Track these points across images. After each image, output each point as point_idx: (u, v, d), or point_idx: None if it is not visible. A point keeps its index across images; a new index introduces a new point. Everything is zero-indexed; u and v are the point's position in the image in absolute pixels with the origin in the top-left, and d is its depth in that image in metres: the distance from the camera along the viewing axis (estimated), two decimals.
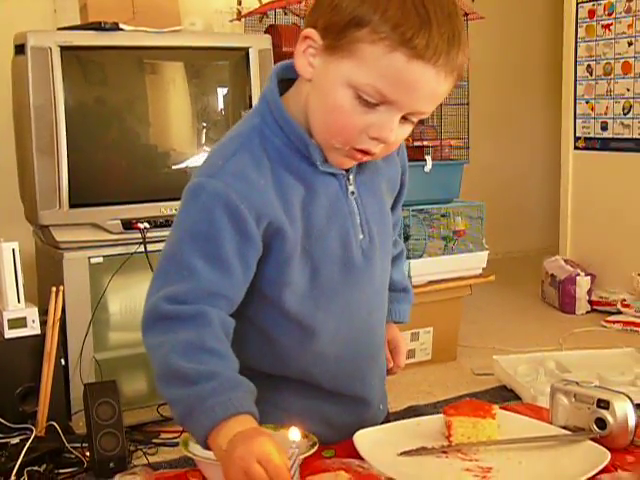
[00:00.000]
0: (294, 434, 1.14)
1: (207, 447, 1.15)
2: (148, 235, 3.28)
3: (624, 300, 4.97)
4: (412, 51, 1.16)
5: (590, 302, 5.16)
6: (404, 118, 1.25)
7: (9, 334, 3.14)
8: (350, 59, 1.20)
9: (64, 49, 3.24)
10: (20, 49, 3.28)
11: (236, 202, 1.24)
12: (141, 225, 3.31)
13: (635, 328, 4.72)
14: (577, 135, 5.46)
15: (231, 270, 1.26)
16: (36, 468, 2.91)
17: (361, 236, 1.40)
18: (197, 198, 1.27)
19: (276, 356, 1.39)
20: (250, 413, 1.15)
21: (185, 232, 1.27)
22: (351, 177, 1.38)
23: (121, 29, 3.40)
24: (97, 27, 3.37)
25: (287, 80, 1.36)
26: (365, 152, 1.28)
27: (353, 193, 1.39)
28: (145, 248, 3.25)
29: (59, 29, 3.51)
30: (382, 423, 1.53)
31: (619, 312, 4.94)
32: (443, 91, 1.24)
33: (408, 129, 1.29)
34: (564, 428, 1.39)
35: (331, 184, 1.36)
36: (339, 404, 1.46)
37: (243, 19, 4.21)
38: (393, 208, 1.55)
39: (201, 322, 1.21)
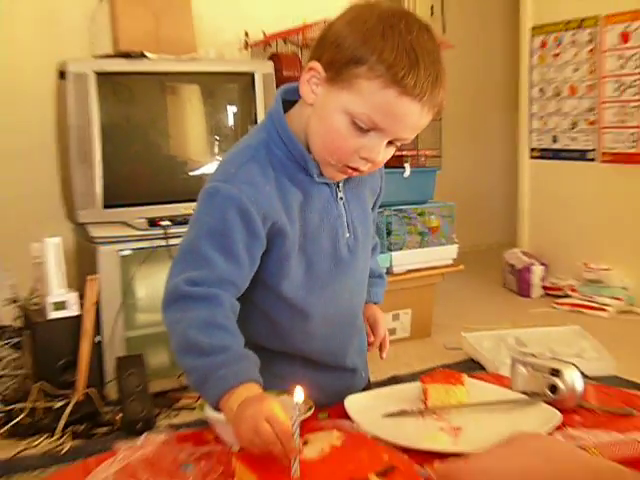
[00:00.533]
0: (298, 395, 1.14)
1: (218, 409, 1.15)
2: (169, 231, 3.28)
3: (572, 286, 4.99)
4: (402, 89, 1.17)
5: (543, 287, 5.17)
6: (389, 142, 1.27)
7: (53, 315, 3.14)
8: (349, 91, 1.21)
9: (99, 74, 3.24)
10: (62, 74, 3.28)
11: (247, 205, 1.25)
12: (163, 223, 3.31)
13: (581, 309, 4.73)
14: (532, 146, 5.47)
15: (240, 262, 1.26)
16: (76, 428, 2.92)
17: (347, 235, 1.40)
18: (213, 200, 1.27)
19: (275, 334, 1.40)
20: (256, 381, 1.16)
21: (202, 229, 1.27)
22: (340, 185, 1.39)
23: (147, 57, 3.39)
24: (126, 56, 3.37)
25: (288, 101, 1.36)
26: (355, 169, 1.29)
27: (342, 199, 1.40)
28: (167, 242, 3.25)
29: (95, 57, 3.51)
30: (364, 388, 1.55)
31: (567, 296, 4.96)
32: (424, 122, 1.25)
33: (391, 151, 1.30)
34: (523, 393, 1.39)
35: (324, 191, 1.37)
36: (327, 373, 1.47)
37: (250, 48, 4.20)
38: (372, 209, 1.56)
39: (214, 303, 1.22)
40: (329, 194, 1.37)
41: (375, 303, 1.65)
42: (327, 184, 1.37)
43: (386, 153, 1.29)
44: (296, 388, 1.12)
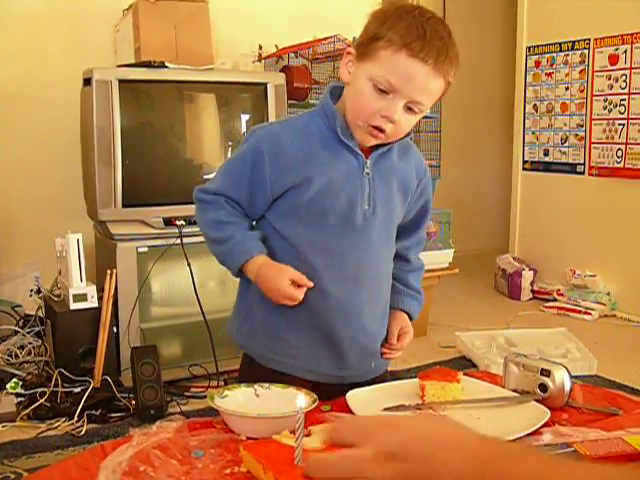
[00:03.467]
0: (301, 401, 1.14)
1: (240, 273, 1.48)
2: (184, 230, 3.26)
3: (559, 290, 4.97)
4: (410, 52, 1.31)
5: (532, 291, 5.15)
6: (409, 109, 1.38)
7: (73, 306, 3.15)
8: (371, 61, 1.36)
9: (121, 82, 3.23)
10: (87, 82, 3.29)
11: (262, 149, 1.45)
12: (178, 222, 3.29)
13: (567, 312, 4.71)
14: (525, 159, 5.45)
15: (239, 185, 1.48)
16: (93, 412, 2.91)
17: (366, 207, 1.47)
18: (248, 136, 1.51)
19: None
20: (260, 252, 1.45)
21: (231, 157, 1.54)
22: (368, 162, 1.47)
23: (166, 67, 3.38)
24: (147, 65, 3.36)
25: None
26: (378, 128, 1.39)
27: (368, 174, 1.47)
28: (181, 241, 3.23)
29: (118, 66, 3.51)
30: (381, 379, 1.57)
31: (555, 299, 4.94)
32: (434, 87, 1.37)
33: (411, 118, 1.41)
34: (514, 391, 1.39)
35: (351, 161, 1.46)
36: (337, 347, 1.51)
37: (263, 60, 4.19)
38: (415, 225, 1.63)
39: (216, 206, 1.49)
40: (356, 166, 1.47)
41: (409, 315, 1.63)
42: (356, 156, 1.45)
43: (405, 118, 1.39)
44: (300, 391, 1.12)
